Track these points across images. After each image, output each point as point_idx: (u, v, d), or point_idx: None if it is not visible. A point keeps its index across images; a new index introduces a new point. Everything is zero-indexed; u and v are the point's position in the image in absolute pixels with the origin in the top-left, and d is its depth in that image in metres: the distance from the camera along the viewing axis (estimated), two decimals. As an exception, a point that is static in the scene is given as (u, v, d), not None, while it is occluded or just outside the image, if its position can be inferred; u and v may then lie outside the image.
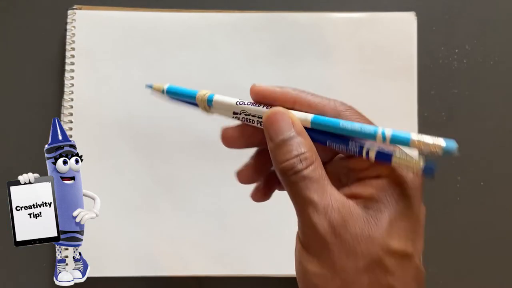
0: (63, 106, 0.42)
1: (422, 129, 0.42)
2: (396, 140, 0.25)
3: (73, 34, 0.42)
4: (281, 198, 0.30)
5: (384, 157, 0.25)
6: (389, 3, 0.44)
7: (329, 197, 0.24)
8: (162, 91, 0.28)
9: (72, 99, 0.42)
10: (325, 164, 0.26)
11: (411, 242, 0.24)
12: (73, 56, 0.42)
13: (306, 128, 0.25)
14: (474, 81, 0.44)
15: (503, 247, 0.43)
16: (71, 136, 0.41)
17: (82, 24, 0.42)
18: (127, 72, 0.42)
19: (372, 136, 0.24)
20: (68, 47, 0.42)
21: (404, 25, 0.43)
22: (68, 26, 0.42)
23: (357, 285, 0.23)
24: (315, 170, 0.24)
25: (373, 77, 0.42)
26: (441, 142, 0.24)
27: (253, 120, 0.26)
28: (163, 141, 0.42)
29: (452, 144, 0.24)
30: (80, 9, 0.42)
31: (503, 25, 0.44)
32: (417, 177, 0.26)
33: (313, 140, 0.25)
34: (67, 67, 0.42)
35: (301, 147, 0.24)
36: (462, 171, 0.43)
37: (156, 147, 0.42)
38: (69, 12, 0.42)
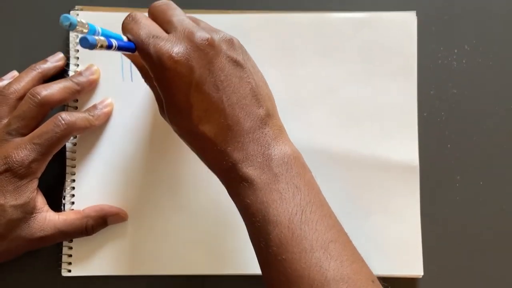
0: (67, 106, 0.42)
1: (422, 129, 0.43)
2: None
3: (76, 35, 0.42)
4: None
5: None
6: (389, 3, 0.44)
7: None
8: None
9: (76, 100, 0.42)
10: None
11: (182, 121, 0.33)
12: (77, 58, 0.42)
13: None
14: (474, 81, 0.44)
15: (502, 247, 0.43)
16: (74, 137, 0.42)
17: (84, 25, 0.42)
18: (131, 72, 0.42)
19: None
20: (71, 48, 0.42)
21: (404, 25, 0.43)
22: (71, 27, 0.42)
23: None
24: None
25: (373, 77, 0.43)
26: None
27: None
28: (165, 140, 0.42)
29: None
30: (81, 10, 0.43)
31: (503, 25, 0.44)
32: (151, 71, 0.33)
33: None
34: (71, 68, 0.42)
35: None
36: (461, 171, 0.43)
37: (158, 146, 0.42)
38: (71, 13, 0.42)
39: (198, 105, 0.32)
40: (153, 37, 0.32)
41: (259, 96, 0.33)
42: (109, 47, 0.31)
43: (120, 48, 0.32)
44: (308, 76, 0.43)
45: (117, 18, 0.42)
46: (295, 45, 0.43)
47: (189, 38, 0.32)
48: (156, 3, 0.35)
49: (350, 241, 0.32)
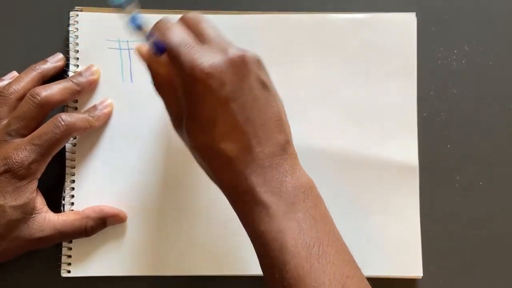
0: (67, 107, 0.42)
1: (421, 129, 0.43)
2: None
3: (76, 36, 0.42)
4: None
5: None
6: (389, 3, 0.44)
7: None
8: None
9: (76, 101, 0.42)
10: None
11: (203, 136, 0.32)
12: (77, 58, 0.42)
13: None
14: (474, 81, 0.44)
15: (502, 247, 0.43)
16: (74, 138, 0.42)
17: (84, 25, 0.42)
18: (130, 73, 0.42)
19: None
20: (71, 49, 0.42)
21: (404, 25, 0.43)
22: (71, 28, 0.42)
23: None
24: None
25: (373, 77, 0.43)
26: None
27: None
28: (166, 141, 0.42)
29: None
30: (81, 10, 0.43)
31: (503, 25, 0.44)
32: (180, 80, 0.32)
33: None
34: (71, 68, 0.42)
35: None
36: (461, 171, 0.43)
37: (160, 147, 0.42)
38: (71, 14, 0.42)
39: (224, 122, 0.31)
40: (187, 46, 0.31)
41: (281, 122, 0.33)
42: (148, 36, 0.31)
43: (155, 44, 0.32)
44: (308, 77, 0.43)
45: (117, 19, 0.42)
46: (295, 46, 0.43)
47: (223, 52, 0.31)
48: (188, 14, 0.34)
49: (365, 278, 0.31)
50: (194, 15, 0.34)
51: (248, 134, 0.31)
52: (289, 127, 0.34)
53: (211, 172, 0.33)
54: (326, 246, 0.30)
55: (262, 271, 0.31)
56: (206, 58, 0.31)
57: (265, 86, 0.33)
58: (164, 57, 0.33)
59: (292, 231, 0.30)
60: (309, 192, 0.32)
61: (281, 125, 0.33)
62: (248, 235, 0.32)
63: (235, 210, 0.33)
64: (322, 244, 0.30)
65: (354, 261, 0.31)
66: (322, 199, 0.33)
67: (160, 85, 0.34)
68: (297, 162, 0.33)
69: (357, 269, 0.31)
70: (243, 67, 0.32)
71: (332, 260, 0.29)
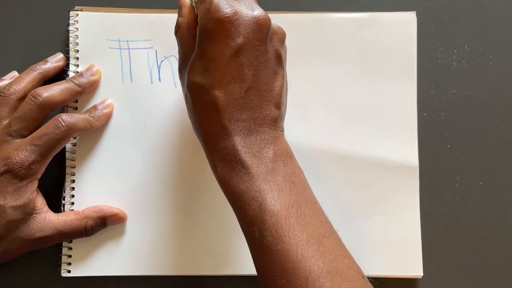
0: (68, 107, 0.42)
1: (421, 129, 0.43)
2: None
3: (76, 36, 0.42)
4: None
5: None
6: (389, 3, 0.44)
7: None
8: None
9: (76, 101, 0.42)
10: None
11: (202, 77, 0.32)
12: (77, 58, 0.42)
13: None
14: (473, 81, 0.44)
15: (502, 247, 0.43)
16: (74, 138, 0.42)
17: (84, 25, 0.42)
18: (130, 73, 0.42)
19: None
20: (71, 48, 0.42)
21: (404, 25, 0.43)
22: (71, 28, 0.42)
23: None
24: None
25: (373, 77, 0.43)
26: None
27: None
28: (167, 141, 0.42)
29: None
30: (81, 10, 0.43)
31: (502, 26, 0.44)
32: (200, 19, 0.33)
33: None
34: (71, 68, 0.42)
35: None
36: (461, 171, 0.43)
37: (160, 147, 0.42)
38: (71, 13, 0.42)
39: (226, 70, 0.32)
40: None
41: (281, 98, 0.34)
42: None
43: None
44: (308, 76, 0.43)
45: (117, 18, 0.42)
46: (295, 45, 0.43)
47: (251, 9, 0.32)
48: None
49: (340, 239, 0.32)
50: None
51: (245, 92, 0.32)
52: (286, 107, 0.35)
53: (197, 121, 0.33)
54: (304, 208, 0.31)
55: (243, 231, 0.32)
56: (233, 6, 0.32)
57: (280, 59, 0.34)
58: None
59: (272, 192, 0.31)
60: (289, 161, 0.33)
61: (279, 100, 0.33)
62: (226, 195, 0.33)
63: (212, 167, 0.33)
64: (300, 206, 0.31)
65: (330, 223, 0.32)
66: (302, 170, 0.34)
67: (182, 29, 0.35)
68: (282, 134, 0.34)
69: (333, 230, 0.32)
70: (264, 30, 0.32)
71: (309, 221, 0.30)
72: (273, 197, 0.30)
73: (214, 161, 0.33)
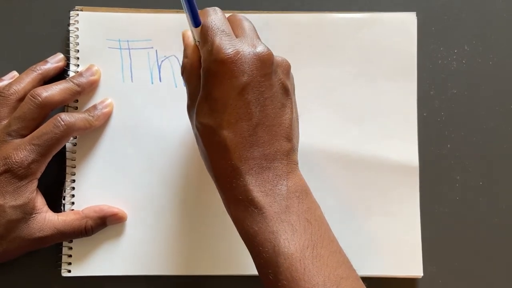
0: (67, 107, 0.42)
1: (421, 129, 0.43)
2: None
3: (76, 36, 0.42)
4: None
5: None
6: (389, 3, 0.44)
7: None
8: None
9: (76, 101, 0.42)
10: None
11: (209, 118, 0.32)
12: (77, 58, 0.42)
13: None
14: (473, 81, 0.44)
15: (502, 247, 0.43)
16: (74, 137, 0.42)
17: (84, 25, 0.42)
18: (131, 73, 0.43)
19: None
20: (71, 48, 0.42)
21: (404, 25, 0.43)
22: (71, 28, 0.42)
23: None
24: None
25: (373, 77, 0.43)
26: None
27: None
28: (167, 141, 0.42)
29: None
30: (81, 10, 0.43)
31: (502, 25, 0.44)
32: (203, 61, 0.33)
33: None
34: (71, 68, 0.42)
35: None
36: (461, 171, 0.43)
37: (160, 147, 0.42)
38: (72, 13, 0.43)
39: (232, 109, 0.31)
40: (221, 30, 0.32)
41: (292, 130, 0.33)
42: (193, 13, 0.32)
43: (192, 11, 0.32)
44: (308, 76, 0.43)
45: (117, 18, 0.42)
46: (295, 46, 0.43)
47: (253, 47, 0.32)
48: (235, 14, 0.36)
49: (359, 279, 0.31)
50: (239, 15, 0.35)
51: (254, 129, 0.31)
52: (298, 138, 0.34)
53: (208, 161, 0.33)
54: (320, 248, 0.30)
55: (257, 271, 0.31)
56: (234, 46, 0.32)
57: (286, 92, 0.33)
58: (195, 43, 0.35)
59: (285, 233, 0.30)
60: (304, 197, 0.32)
61: (289, 133, 0.33)
62: (240, 233, 0.32)
63: (226, 206, 0.33)
64: (316, 246, 0.30)
65: (349, 262, 0.31)
66: (318, 205, 0.33)
67: (187, 70, 0.35)
68: (296, 168, 0.33)
69: (352, 270, 0.31)
70: (267, 66, 0.32)
71: (326, 262, 0.29)
72: (286, 239, 0.30)
73: (227, 200, 0.33)
